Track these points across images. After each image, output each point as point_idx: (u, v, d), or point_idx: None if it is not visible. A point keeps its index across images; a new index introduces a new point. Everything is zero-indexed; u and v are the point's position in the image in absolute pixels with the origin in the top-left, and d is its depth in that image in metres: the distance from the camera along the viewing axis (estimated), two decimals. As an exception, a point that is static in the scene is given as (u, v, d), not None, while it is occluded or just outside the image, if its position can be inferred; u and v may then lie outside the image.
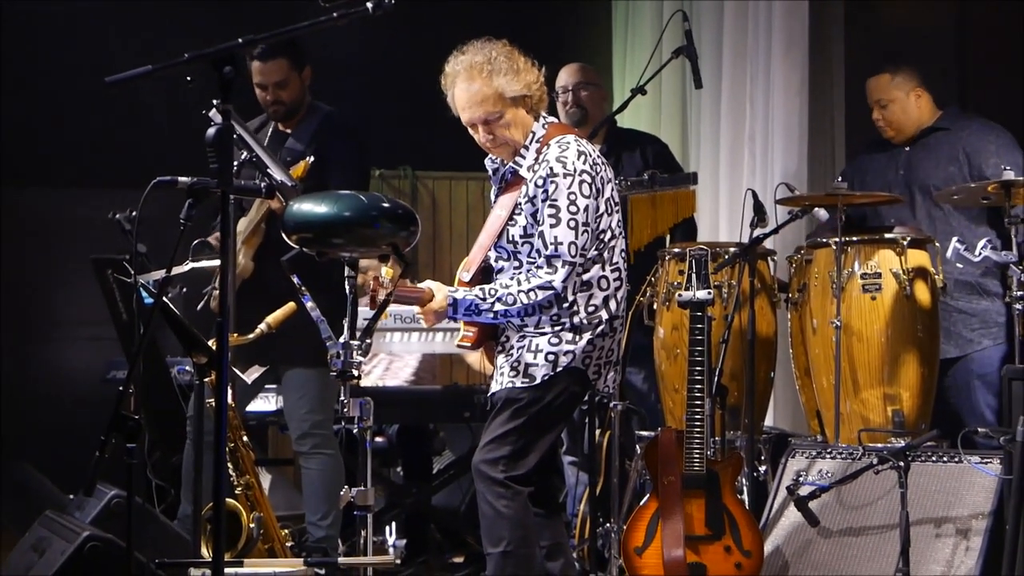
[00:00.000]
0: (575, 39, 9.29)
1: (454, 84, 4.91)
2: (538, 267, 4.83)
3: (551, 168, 4.82)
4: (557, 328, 4.85)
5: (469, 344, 5.01)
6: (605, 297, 4.91)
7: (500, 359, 4.95)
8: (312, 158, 5.93)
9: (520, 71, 4.88)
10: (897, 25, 7.94)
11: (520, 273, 4.88)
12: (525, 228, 4.88)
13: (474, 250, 5.03)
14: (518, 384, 4.86)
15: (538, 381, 4.84)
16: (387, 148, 9.12)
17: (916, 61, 6.75)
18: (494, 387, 4.95)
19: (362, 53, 8.63)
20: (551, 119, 5.03)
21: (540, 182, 4.83)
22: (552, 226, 4.80)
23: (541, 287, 4.80)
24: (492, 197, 5.13)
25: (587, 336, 4.87)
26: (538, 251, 4.84)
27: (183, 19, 8.59)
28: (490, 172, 5.10)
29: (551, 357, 4.85)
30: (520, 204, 4.88)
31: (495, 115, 4.87)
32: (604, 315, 4.90)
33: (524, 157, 4.92)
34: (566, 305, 4.84)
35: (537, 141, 4.92)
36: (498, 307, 4.81)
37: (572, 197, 4.81)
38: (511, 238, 4.91)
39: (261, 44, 5.04)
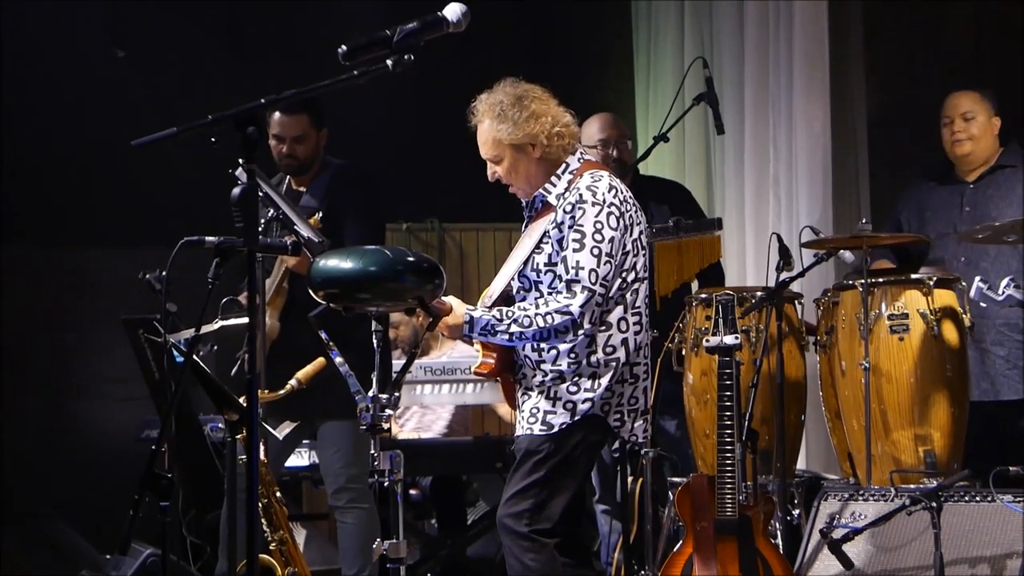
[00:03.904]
0: (598, 88, 9.32)
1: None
2: (557, 292, 4.85)
3: (580, 195, 4.85)
4: (574, 366, 4.86)
5: (486, 372, 5.03)
6: (624, 339, 4.91)
7: (522, 402, 4.96)
8: (320, 214, 5.99)
9: (527, 119, 4.90)
10: (918, 66, 7.96)
11: (539, 299, 4.90)
12: (550, 256, 4.90)
13: (497, 278, 5.06)
14: (536, 431, 4.87)
15: (555, 430, 4.85)
16: (414, 201, 9.16)
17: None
18: (517, 431, 4.97)
19: (388, 106, 8.68)
20: (588, 156, 5.07)
21: (568, 208, 4.86)
22: (575, 251, 4.82)
23: (558, 311, 4.80)
24: (524, 227, 5.16)
25: (605, 382, 4.87)
26: (559, 276, 4.86)
27: (211, 79, 8.67)
28: (524, 203, 5.12)
29: (569, 405, 4.86)
30: (548, 232, 4.91)
31: (496, 158, 4.96)
32: (621, 357, 4.90)
33: (555, 185, 4.95)
34: (582, 335, 4.83)
35: (570, 172, 4.95)
36: (514, 328, 4.82)
37: (598, 226, 4.83)
38: (535, 266, 4.93)
39: (283, 103, 5.09)
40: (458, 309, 4.83)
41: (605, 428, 4.92)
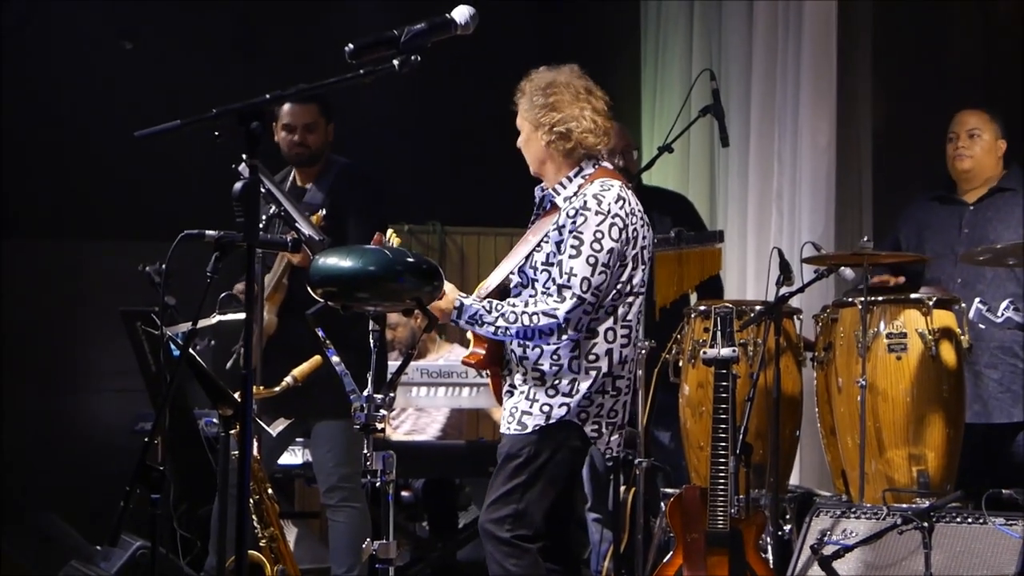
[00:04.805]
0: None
1: None
2: (548, 294, 4.85)
3: (585, 202, 4.84)
4: (555, 368, 4.83)
5: (475, 362, 5.01)
6: (608, 350, 4.86)
7: (505, 399, 4.97)
8: (324, 211, 6.01)
9: (541, 107, 4.93)
10: (925, 84, 7.95)
11: (531, 297, 4.91)
12: (548, 256, 4.89)
13: (496, 271, 5.05)
14: (512, 431, 4.87)
15: (528, 430, 4.82)
16: (416, 203, 9.16)
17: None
18: (501, 429, 4.98)
19: (392, 108, 8.68)
20: (606, 164, 5.06)
21: (572, 212, 4.84)
22: (571, 256, 4.80)
23: (545, 312, 4.78)
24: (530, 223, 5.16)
25: (583, 389, 4.84)
26: (553, 279, 4.85)
27: (216, 76, 8.67)
28: (536, 200, 5.12)
29: (546, 408, 4.83)
30: (550, 232, 4.91)
31: (520, 127, 5.01)
32: (603, 367, 4.85)
33: (565, 187, 4.94)
34: (566, 339, 4.81)
35: (582, 177, 4.94)
36: (500, 322, 4.81)
37: (599, 235, 4.81)
38: (533, 263, 4.92)
39: (288, 100, 5.10)
40: (450, 294, 4.84)
41: (583, 436, 4.90)
